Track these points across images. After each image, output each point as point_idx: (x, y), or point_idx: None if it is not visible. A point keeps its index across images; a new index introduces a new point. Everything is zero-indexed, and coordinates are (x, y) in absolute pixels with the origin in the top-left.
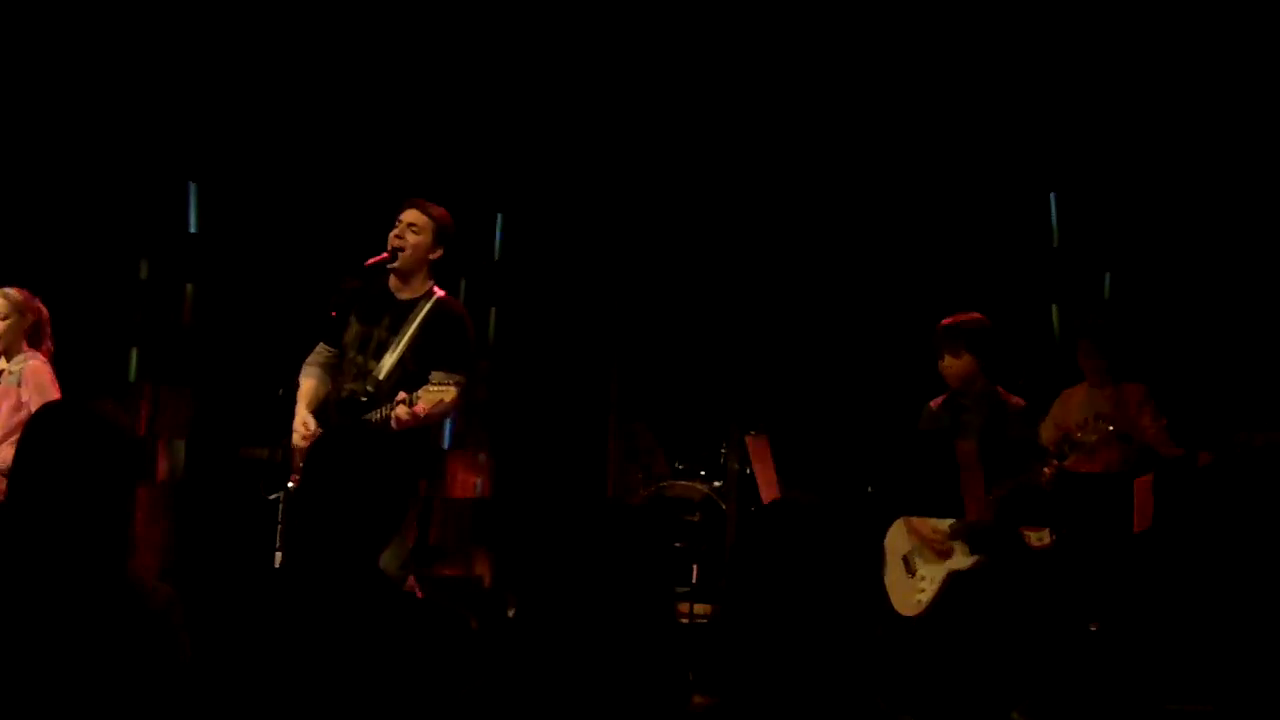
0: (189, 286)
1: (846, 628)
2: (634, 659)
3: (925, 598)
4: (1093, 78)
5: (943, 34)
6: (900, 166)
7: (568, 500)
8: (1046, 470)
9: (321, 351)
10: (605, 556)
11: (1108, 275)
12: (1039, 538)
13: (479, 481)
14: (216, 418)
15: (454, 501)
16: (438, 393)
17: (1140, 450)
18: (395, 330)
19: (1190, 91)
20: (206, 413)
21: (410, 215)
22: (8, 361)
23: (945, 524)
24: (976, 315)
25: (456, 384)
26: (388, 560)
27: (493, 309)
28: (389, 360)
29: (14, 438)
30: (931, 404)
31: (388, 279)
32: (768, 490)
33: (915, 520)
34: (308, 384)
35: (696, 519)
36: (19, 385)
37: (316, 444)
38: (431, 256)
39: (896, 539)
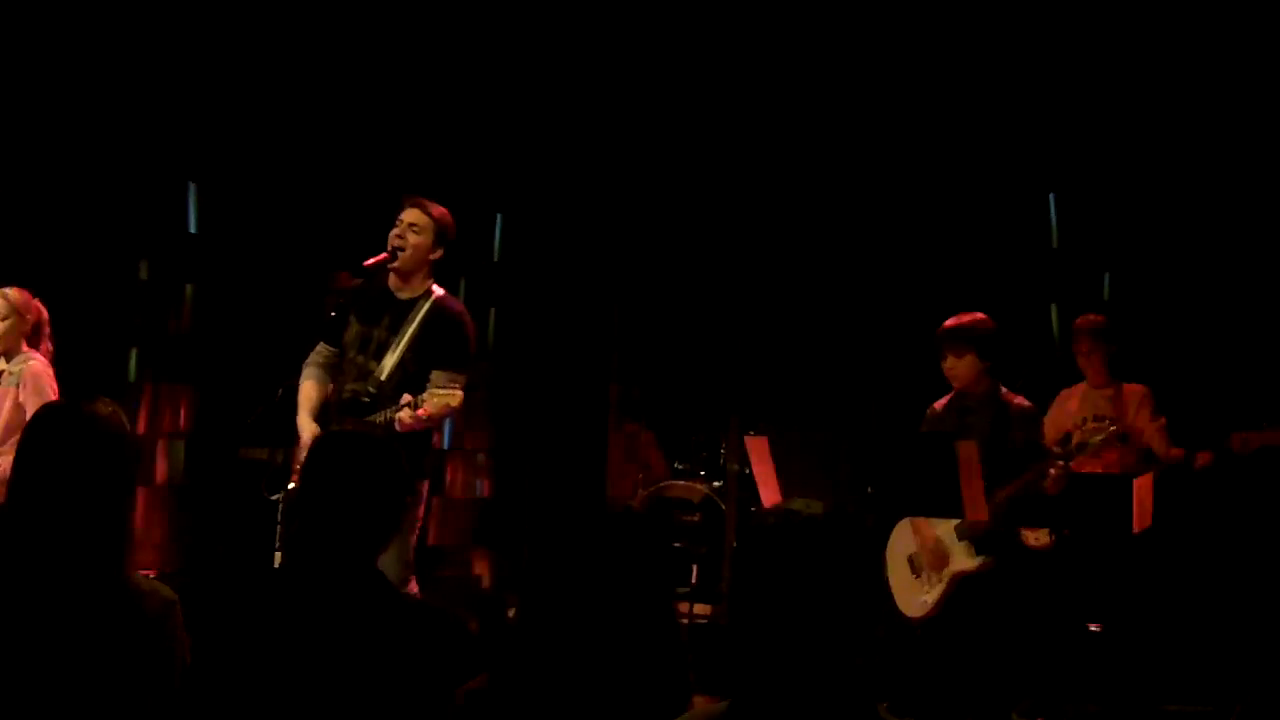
0: (189, 286)
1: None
2: (634, 659)
3: (931, 598)
4: (1092, 78)
5: (942, 34)
6: (900, 167)
7: (567, 501)
8: (1053, 471)
9: (322, 351)
10: (605, 558)
11: (1107, 275)
12: (1036, 537)
13: (479, 481)
14: (216, 418)
15: (454, 501)
16: (444, 396)
17: (1140, 450)
18: (395, 330)
19: (1190, 92)
20: (206, 413)
21: (410, 215)
22: (7, 362)
23: (950, 525)
24: (980, 316)
25: (460, 385)
26: (388, 561)
27: (493, 309)
28: (390, 361)
29: (14, 439)
30: (936, 405)
31: (387, 278)
32: (768, 491)
33: (920, 521)
34: (308, 387)
35: (696, 519)
36: (18, 386)
37: (316, 445)
38: (432, 256)
39: (901, 539)
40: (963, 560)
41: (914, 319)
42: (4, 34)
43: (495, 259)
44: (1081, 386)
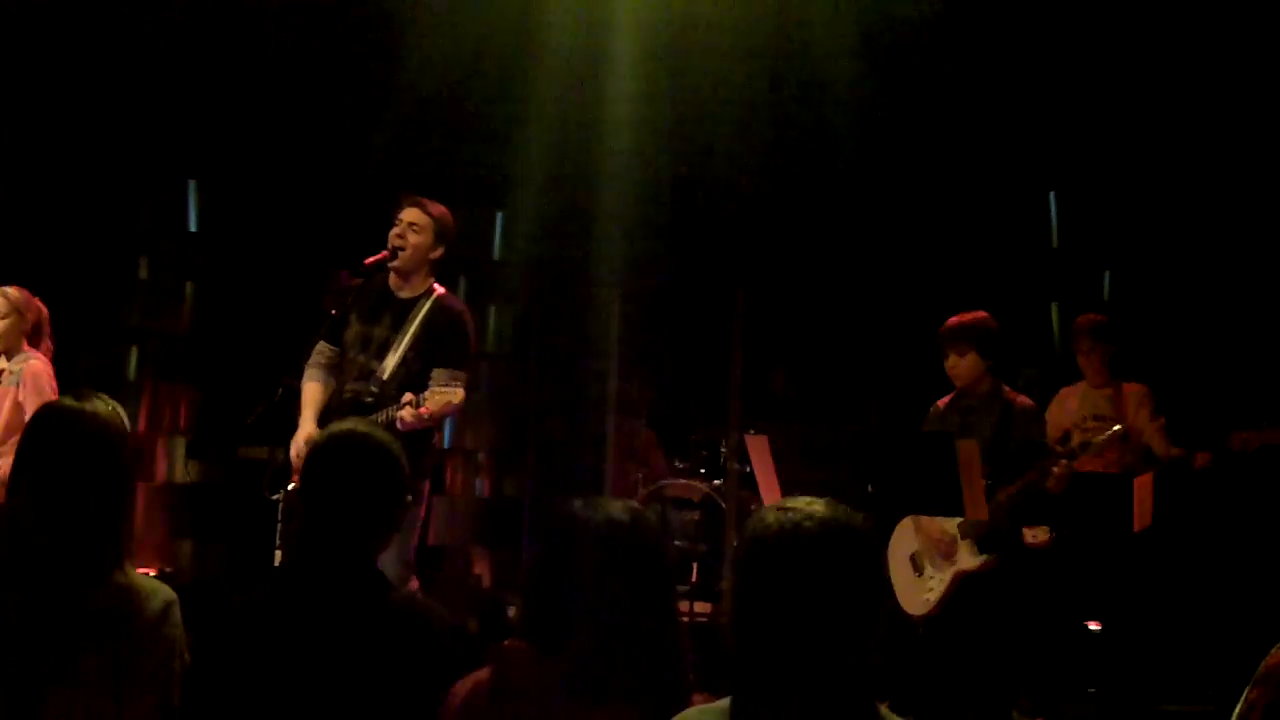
0: (189, 286)
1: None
2: (634, 659)
3: (933, 597)
4: (1092, 77)
5: (942, 35)
6: (900, 167)
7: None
8: (1056, 470)
9: (324, 350)
10: (604, 559)
11: (1107, 275)
12: (1034, 535)
13: (479, 481)
14: (217, 418)
15: (454, 501)
16: (445, 394)
17: (1140, 450)
18: (396, 329)
19: (1190, 92)
20: (206, 413)
21: (410, 214)
22: (8, 361)
23: (953, 523)
24: (982, 315)
25: (462, 384)
26: (388, 561)
27: (492, 309)
28: (391, 360)
29: (14, 439)
30: (938, 403)
31: (388, 278)
32: (768, 490)
33: (923, 519)
34: (312, 388)
35: (697, 518)
36: (18, 386)
37: (316, 445)
38: (432, 255)
39: (903, 538)
40: (966, 559)
41: (915, 318)
42: (4, 33)
43: (495, 259)
44: (1081, 385)
